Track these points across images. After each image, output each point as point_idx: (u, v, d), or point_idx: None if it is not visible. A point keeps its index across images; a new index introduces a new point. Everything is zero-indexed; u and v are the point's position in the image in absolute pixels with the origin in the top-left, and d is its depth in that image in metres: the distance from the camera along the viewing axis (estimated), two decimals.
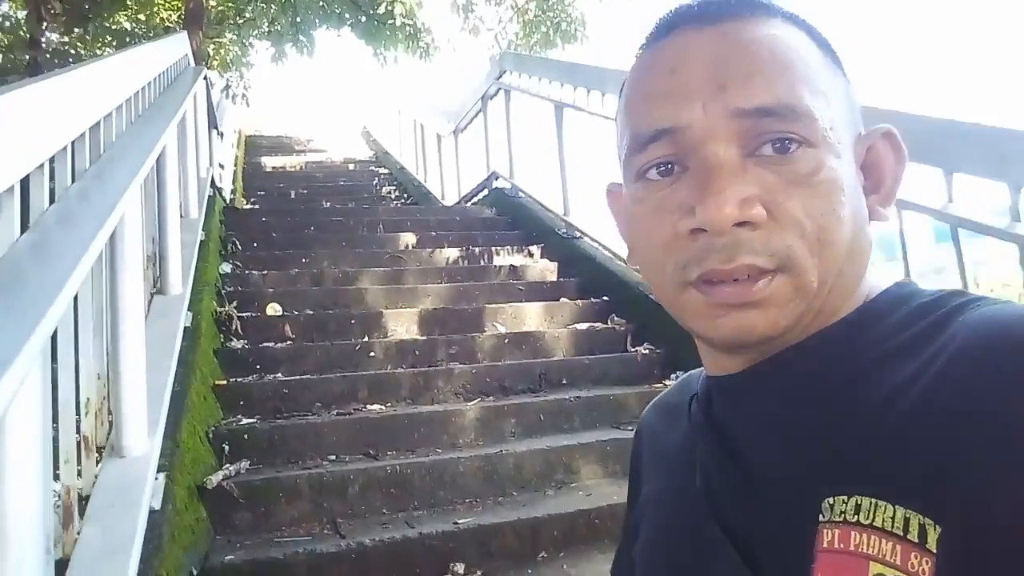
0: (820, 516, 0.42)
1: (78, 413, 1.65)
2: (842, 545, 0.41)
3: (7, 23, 5.55)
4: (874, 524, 0.40)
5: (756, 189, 0.45)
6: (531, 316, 3.61)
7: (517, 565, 1.96)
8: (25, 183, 1.39)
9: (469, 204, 6.12)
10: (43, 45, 4.85)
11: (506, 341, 3.25)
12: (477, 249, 4.43)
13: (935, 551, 0.37)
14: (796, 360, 0.49)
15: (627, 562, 0.62)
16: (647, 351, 3.21)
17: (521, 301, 3.75)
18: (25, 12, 5.15)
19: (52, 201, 1.54)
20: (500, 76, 5.74)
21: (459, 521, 2.02)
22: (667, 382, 2.85)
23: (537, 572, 1.95)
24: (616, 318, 3.53)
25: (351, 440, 2.44)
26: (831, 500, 0.42)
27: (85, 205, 1.62)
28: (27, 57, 4.75)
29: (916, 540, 0.38)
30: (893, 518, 0.39)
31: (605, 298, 3.73)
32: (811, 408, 0.47)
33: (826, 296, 0.47)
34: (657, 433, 0.65)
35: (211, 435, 2.35)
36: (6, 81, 4.48)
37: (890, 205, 0.53)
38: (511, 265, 4.21)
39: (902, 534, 0.38)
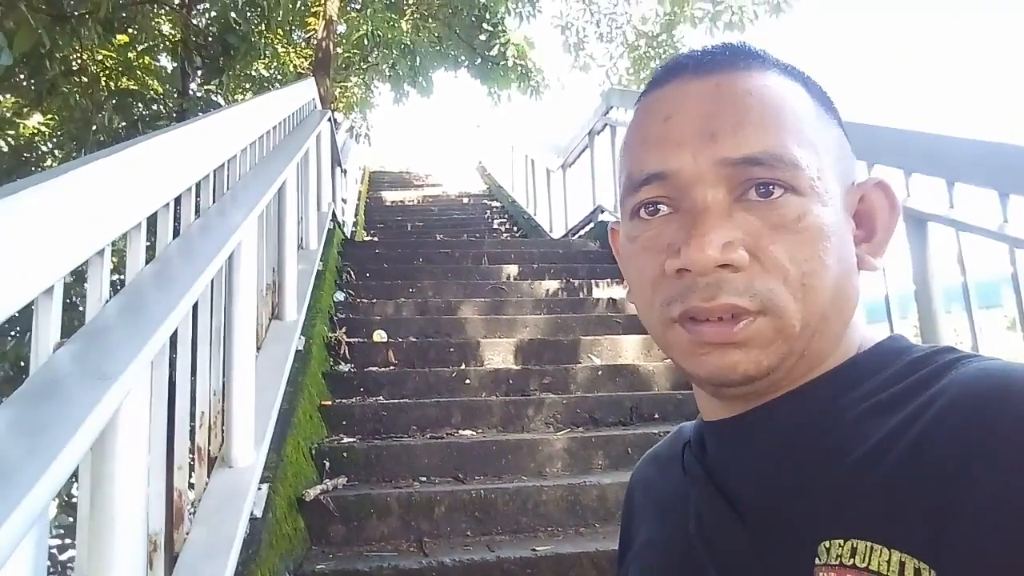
0: (817, 559, 0.43)
1: (193, 424, 1.83)
2: None
3: (163, 74, 6.24)
4: (870, 568, 0.40)
5: (740, 233, 0.47)
6: (628, 349, 3.61)
7: None
8: (154, 220, 1.60)
9: (575, 237, 6.18)
10: (190, 93, 5.42)
11: (599, 373, 3.27)
12: (577, 281, 4.48)
13: None
14: (789, 408, 0.50)
15: None
16: None
17: (619, 333, 3.76)
18: (174, 65, 5.80)
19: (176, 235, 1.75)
20: (607, 112, 5.81)
21: (538, 548, 2.05)
22: None
23: None
24: None
25: (441, 463, 2.53)
26: (827, 544, 0.43)
27: (205, 238, 1.82)
28: (176, 105, 5.33)
29: None
30: (889, 561, 0.40)
31: None
32: (805, 455, 0.48)
33: (810, 340, 0.48)
34: (651, 486, 0.65)
35: (314, 451, 2.51)
36: (157, 126, 5.05)
37: (881, 255, 0.54)
38: (611, 298, 4.23)
39: None
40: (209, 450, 1.90)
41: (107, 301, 1.25)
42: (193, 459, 1.82)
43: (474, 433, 2.80)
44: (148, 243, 1.52)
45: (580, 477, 2.47)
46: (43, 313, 1.04)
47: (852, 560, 0.41)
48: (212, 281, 1.89)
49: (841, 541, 0.42)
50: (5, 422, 0.83)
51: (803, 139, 0.49)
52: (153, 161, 1.59)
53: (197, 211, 1.91)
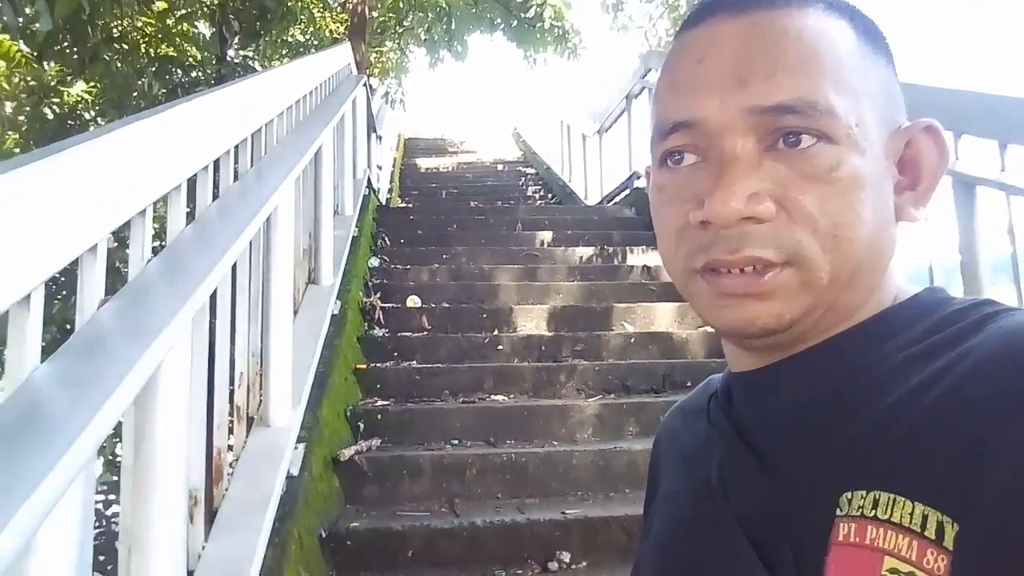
0: (838, 510, 0.42)
1: (232, 384, 1.88)
2: (858, 539, 0.41)
3: (201, 40, 6.29)
4: (891, 519, 0.39)
5: (768, 184, 0.45)
6: (662, 316, 3.59)
7: (623, 560, 1.98)
8: (193, 182, 1.62)
9: (610, 204, 6.13)
10: (228, 59, 5.45)
11: (632, 340, 3.26)
12: (611, 248, 4.45)
13: (951, 549, 0.37)
14: (817, 360, 0.49)
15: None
16: None
17: (652, 301, 3.73)
18: (212, 31, 5.85)
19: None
20: (645, 75, 5.69)
21: (567, 512, 2.07)
22: None
23: None
24: None
25: (473, 427, 2.56)
26: (849, 495, 0.42)
27: (243, 200, 1.84)
28: (214, 71, 5.37)
29: (933, 537, 0.38)
30: (911, 514, 0.39)
31: None
32: (830, 407, 0.46)
33: (839, 293, 0.47)
34: (677, 437, 0.63)
35: (349, 413, 2.56)
36: (196, 92, 5.10)
37: (925, 205, 0.51)
38: (645, 265, 4.19)
39: (919, 530, 0.38)
40: (247, 410, 1.95)
41: (149, 261, 1.28)
42: (232, 419, 1.87)
43: (506, 398, 2.82)
44: (188, 209, 1.55)
45: (611, 443, 2.48)
46: (88, 270, 1.06)
47: (874, 511, 0.40)
48: (250, 244, 1.92)
49: (863, 492, 0.41)
50: (52, 375, 0.86)
51: (842, 84, 0.46)
52: (192, 124, 1.61)
53: (235, 176, 1.93)
